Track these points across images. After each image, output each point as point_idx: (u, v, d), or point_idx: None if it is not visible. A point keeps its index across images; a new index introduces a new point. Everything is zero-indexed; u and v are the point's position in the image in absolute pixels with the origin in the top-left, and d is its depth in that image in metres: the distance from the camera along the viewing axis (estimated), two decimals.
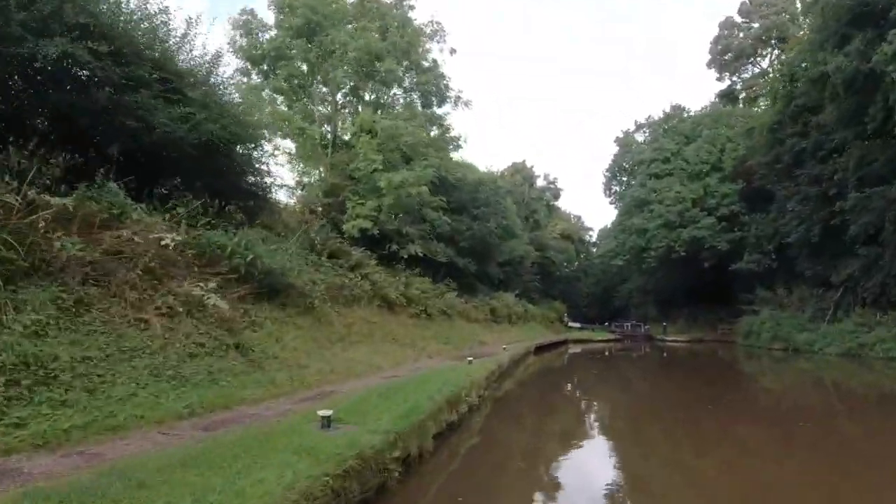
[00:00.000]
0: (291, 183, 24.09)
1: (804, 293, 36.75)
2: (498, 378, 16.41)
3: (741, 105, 49.98)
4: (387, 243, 22.19)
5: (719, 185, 40.61)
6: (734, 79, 53.01)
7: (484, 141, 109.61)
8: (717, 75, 53.69)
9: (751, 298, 39.84)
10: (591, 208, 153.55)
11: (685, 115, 48.76)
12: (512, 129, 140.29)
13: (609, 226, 79.81)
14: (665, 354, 39.05)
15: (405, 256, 21.91)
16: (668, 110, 48.85)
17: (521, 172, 58.84)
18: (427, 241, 24.09)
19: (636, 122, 51.35)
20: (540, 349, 30.85)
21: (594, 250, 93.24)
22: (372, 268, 18.14)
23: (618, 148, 52.35)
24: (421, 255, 22.04)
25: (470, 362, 14.72)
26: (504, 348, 22.68)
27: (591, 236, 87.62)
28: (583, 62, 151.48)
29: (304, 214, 20.85)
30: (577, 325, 60.60)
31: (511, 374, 19.41)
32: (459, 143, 29.51)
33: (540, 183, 61.99)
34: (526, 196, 55.85)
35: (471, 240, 29.16)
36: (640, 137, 51.59)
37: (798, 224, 33.10)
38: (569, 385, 19.80)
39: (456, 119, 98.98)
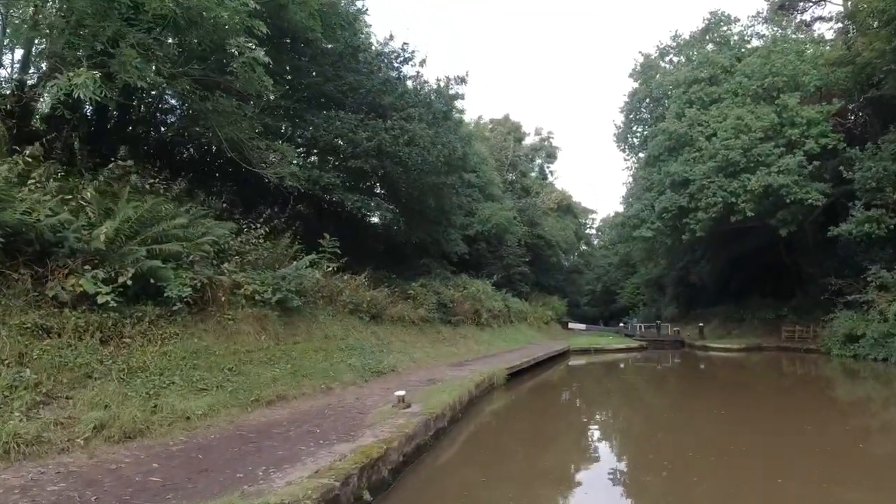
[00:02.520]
0: None
1: None
2: None
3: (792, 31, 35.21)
4: None
5: (801, 109, 25.90)
6: None
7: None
8: None
9: (844, 285, 25.47)
10: (589, 199, 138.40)
11: (733, 26, 34.04)
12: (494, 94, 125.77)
13: (615, 213, 65.96)
14: (703, 366, 24.59)
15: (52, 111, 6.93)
16: (706, 17, 33.87)
17: (503, 126, 44.18)
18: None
19: (659, 45, 36.73)
20: (519, 374, 16.17)
21: (596, 242, 79.88)
22: None
23: (635, 84, 37.53)
24: (85, 100, 6.91)
25: None
26: (402, 398, 8.05)
27: (593, 220, 73.74)
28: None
29: None
30: (582, 326, 46.20)
31: None
32: None
33: (530, 140, 47.22)
34: (510, 153, 41.17)
35: (377, 158, 14.51)
36: (667, 67, 36.70)
37: None
38: None
39: None
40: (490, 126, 44.32)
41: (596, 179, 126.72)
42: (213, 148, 13.15)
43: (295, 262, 11.11)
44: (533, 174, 45.23)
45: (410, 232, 21.95)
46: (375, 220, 25.91)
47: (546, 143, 46.67)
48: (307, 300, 11.88)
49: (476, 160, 28.71)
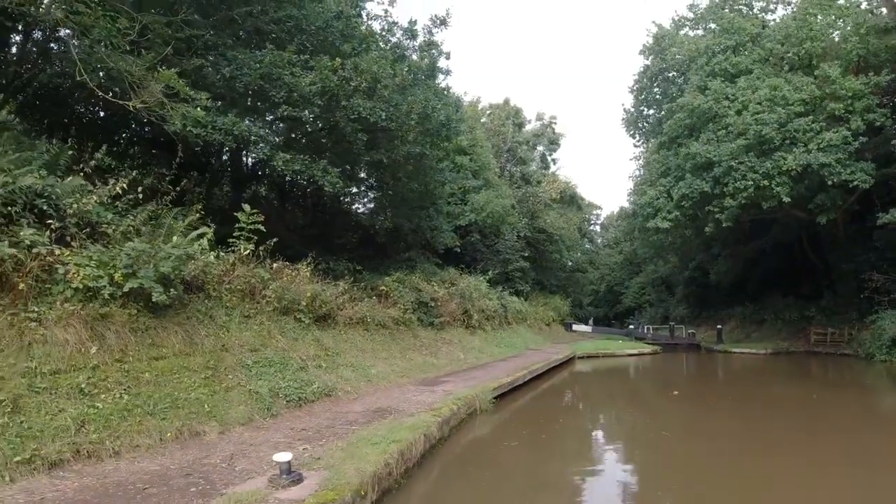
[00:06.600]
0: None
1: None
2: None
3: None
4: None
5: (844, 81, 22.24)
6: None
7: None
8: None
9: (888, 281, 22.32)
10: (593, 194, 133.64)
11: None
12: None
13: (621, 208, 62.18)
14: (743, 375, 20.80)
15: None
16: None
17: (502, 111, 40.52)
18: None
19: (675, 18, 32.97)
20: (513, 392, 12.54)
21: (599, 241, 76.51)
22: None
23: (647, 61, 33.80)
24: None
25: None
26: (287, 468, 4.39)
27: (597, 216, 70.37)
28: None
29: None
30: (587, 327, 42.45)
31: None
32: None
33: (531, 127, 43.48)
34: (509, 139, 37.53)
35: (326, 110, 10.94)
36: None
37: None
38: None
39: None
40: (488, 111, 40.71)
41: (600, 175, 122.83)
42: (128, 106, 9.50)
43: (175, 238, 7.51)
44: (534, 164, 41.51)
45: (386, 215, 18.45)
46: (360, 208, 22.53)
47: (548, 129, 42.94)
48: (207, 294, 8.32)
49: (467, 137, 25.13)
